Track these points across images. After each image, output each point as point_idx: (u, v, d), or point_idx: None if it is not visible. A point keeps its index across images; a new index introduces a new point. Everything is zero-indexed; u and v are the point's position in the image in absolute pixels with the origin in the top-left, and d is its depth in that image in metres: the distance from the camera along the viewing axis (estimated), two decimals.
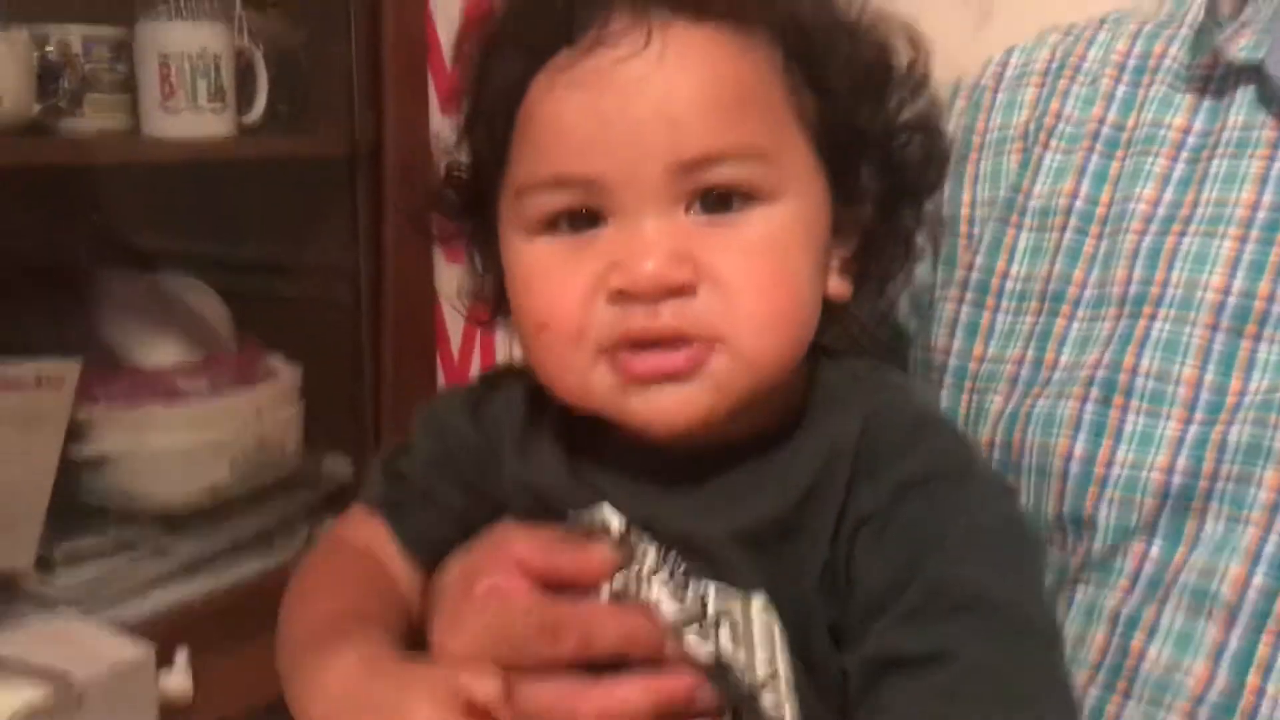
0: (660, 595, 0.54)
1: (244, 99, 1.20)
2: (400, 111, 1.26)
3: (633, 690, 0.53)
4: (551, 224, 0.54)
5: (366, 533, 0.66)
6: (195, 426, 1.14)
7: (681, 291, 0.52)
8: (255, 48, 1.21)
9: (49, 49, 1.07)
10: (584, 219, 0.54)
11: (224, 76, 1.15)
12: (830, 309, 0.58)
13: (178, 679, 0.98)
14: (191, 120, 1.13)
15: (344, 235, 1.31)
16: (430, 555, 0.64)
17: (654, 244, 0.52)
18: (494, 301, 0.62)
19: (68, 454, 1.04)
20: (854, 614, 0.52)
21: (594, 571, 0.56)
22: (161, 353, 1.21)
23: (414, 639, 0.62)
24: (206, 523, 1.15)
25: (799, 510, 0.54)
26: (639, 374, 0.53)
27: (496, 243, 0.59)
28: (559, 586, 0.57)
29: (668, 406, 0.53)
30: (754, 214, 0.53)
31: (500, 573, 0.57)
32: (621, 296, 0.52)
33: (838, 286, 0.58)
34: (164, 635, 1.00)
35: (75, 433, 1.06)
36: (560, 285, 0.54)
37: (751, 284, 0.52)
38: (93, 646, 0.85)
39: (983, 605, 0.51)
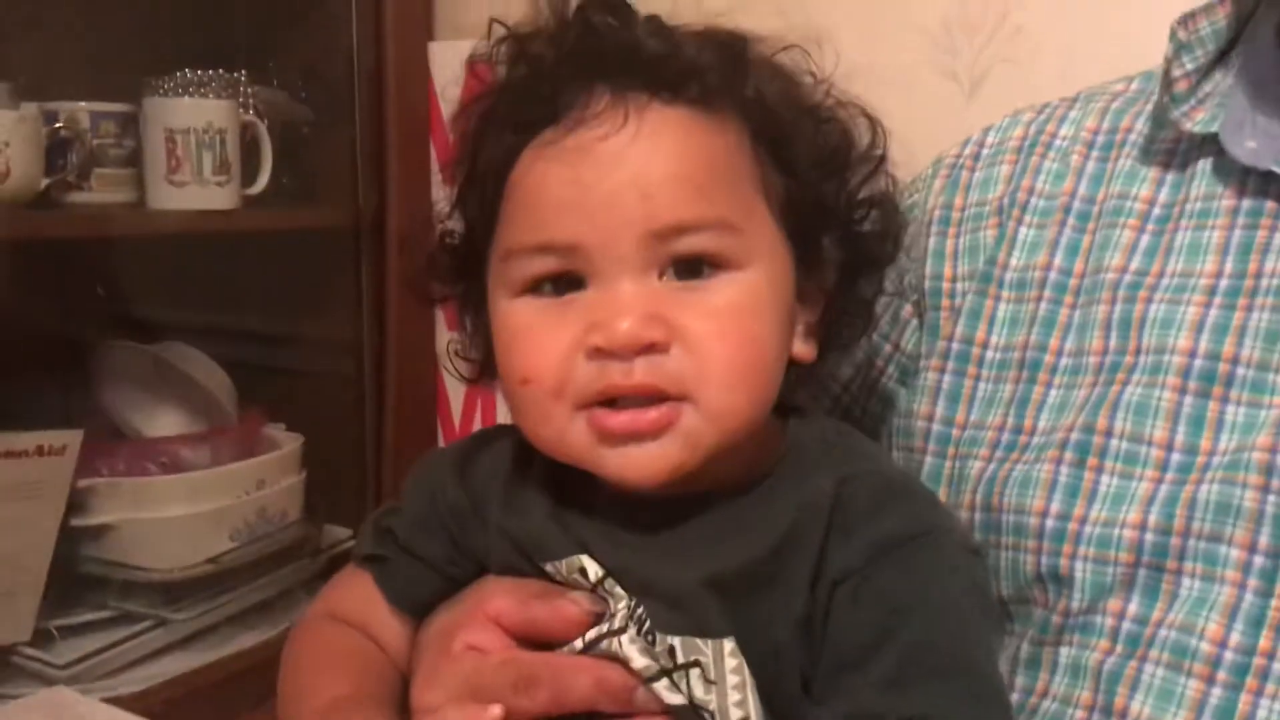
0: (630, 651, 0.55)
1: (249, 172, 1.21)
2: (403, 183, 1.28)
3: None
4: (535, 286, 0.58)
5: (357, 591, 0.68)
6: (196, 496, 1.14)
7: (654, 349, 0.55)
8: (260, 121, 1.23)
9: (58, 124, 1.09)
10: (566, 282, 0.57)
11: (229, 150, 1.16)
12: (799, 371, 0.62)
13: None
14: (196, 193, 1.14)
15: (347, 306, 1.32)
16: (417, 611, 0.66)
17: (629, 306, 0.55)
18: (482, 361, 0.64)
19: (68, 524, 1.04)
20: (826, 666, 0.54)
21: (568, 625, 0.57)
22: (163, 423, 1.22)
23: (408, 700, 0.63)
24: (207, 593, 1.14)
25: (770, 562, 0.55)
26: (612, 430, 0.55)
27: (486, 304, 0.62)
28: (535, 640, 0.58)
29: (640, 462, 0.56)
30: (722, 280, 0.57)
31: (476, 629, 0.59)
32: (599, 354, 0.55)
33: (803, 349, 0.62)
34: (162, 708, 0.99)
35: (76, 503, 1.06)
36: (542, 343, 0.57)
37: (719, 344, 0.55)
38: None
39: (958, 673, 0.53)
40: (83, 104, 1.12)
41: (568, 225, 0.56)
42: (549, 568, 0.59)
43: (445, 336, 1.31)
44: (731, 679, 0.54)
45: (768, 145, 0.60)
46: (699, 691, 0.54)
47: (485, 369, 0.64)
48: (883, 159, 0.63)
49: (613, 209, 0.55)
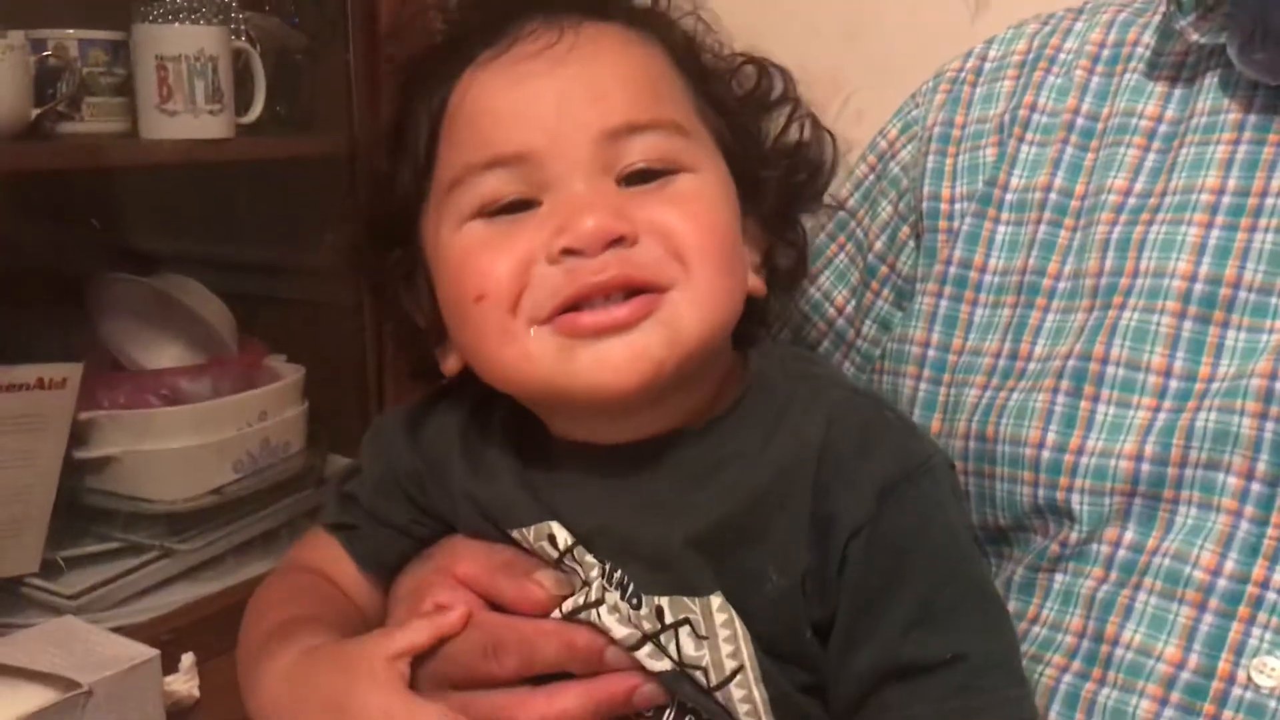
0: (609, 622, 0.55)
1: (242, 100, 1.19)
2: None
3: (571, 697, 0.55)
4: (484, 211, 0.56)
5: (324, 554, 0.68)
6: (199, 428, 1.14)
7: (623, 242, 0.53)
8: (252, 48, 1.21)
9: (47, 53, 1.07)
10: (517, 205, 0.55)
11: (221, 77, 1.14)
12: (751, 307, 0.60)
13: (184, 681, 0.98)
14: (189, 122, 1.13)
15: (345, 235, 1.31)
16: (385, 573, 0.66)
17: (592, 203, 0.53)
18: (430, 322, 0.62)
19: (71, 457, 1.04)
20: (845, 615, 0.54)
21: (533, 607, 0.57)
22: (163, 355, 1.21)
23: None
24: (211, 524, 1.15)
25: (755, 513, 0.55)
26: (586, 328, 0.53)
27: (421, 267, 0.60)
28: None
29: (618, 360, 0.53)
30: (679, 179, 0.56)
31: (445, 590, 0.59)
32: (565, 255, 0.53)
33: (755, 282, 0.61)
34: (170, 638, 1.00)
35: (79, 436, 1.06)
36: (496, 255, 0.55)
37: (689, 229, 0.54)
38: (98, 651, 0.85)
39: (971, 600, 0.54)
40: (71, 31, 1.10)
41: (517, 134, 0.55)
42: (515, 534, 0.59)
43: None
44: (723, 632, 0.54)
45: (694, 77, 0.60)
46: (689, 649, 0.54)
47: (435, 333, 0.62)
48: (797, 103, 0.63)
49: (563, 112, 0.54)
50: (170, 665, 0.96)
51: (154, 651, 0.86)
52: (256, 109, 1.21)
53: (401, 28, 0.64)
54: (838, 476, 0.54)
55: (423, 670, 0.57)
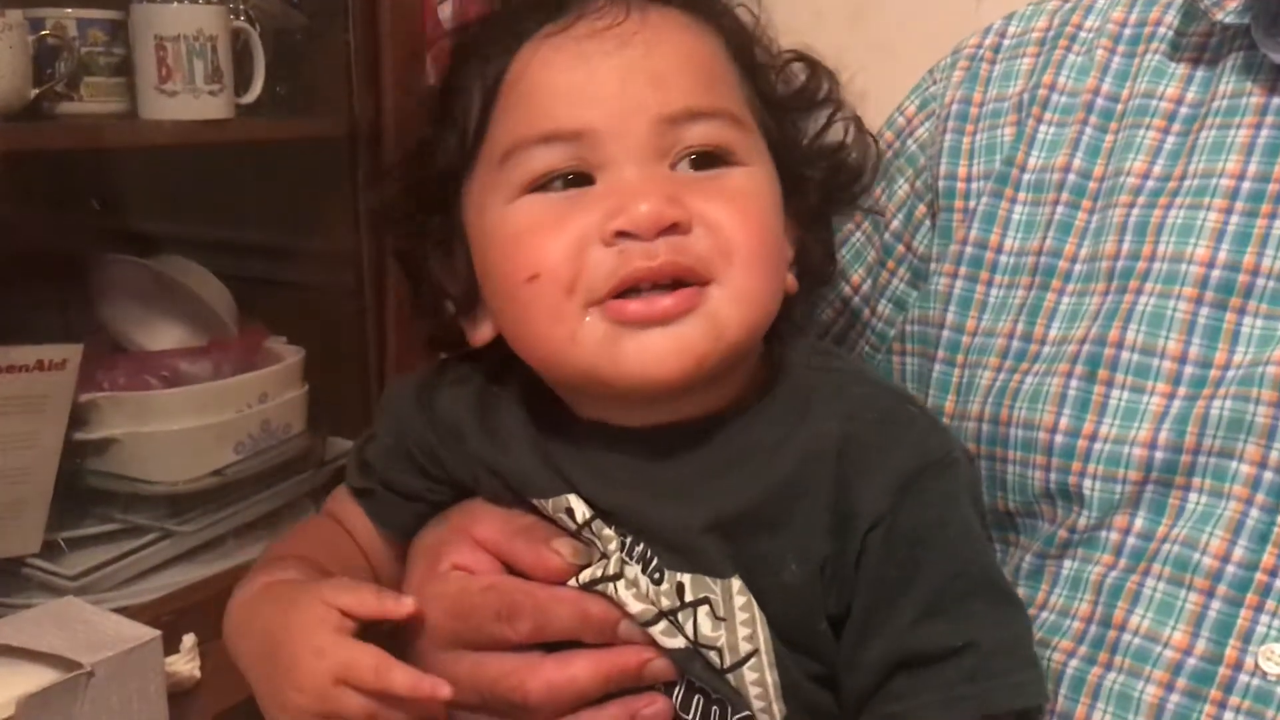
0: (626, 596, 0.55)
1: (241, 80, 1.19)
2: (399, 90, 1.25)
3: (582, 666, 0.55)
4: (538, 185, 0.56)
5: (349, 512, 0.69)
6: (199, 410, 1.14)
7: (677, 230, 0.53)
8: (252, 28, 1.20)
9: (45, 32, 1.06)
10: (571, 180, 0.55)
11: (221, 57, 1.14)
12: (784, 303, 0.60)
13: (185, 662, 0.99)
14: (189, 102, 1.12)
15: (345, 216, 1.30)
16: (406, 535, 0.67)
17: (648, 188, 0.54)
18: (463, 294, 0.61)
19: (72, 439, 1.04)
20: (860, 606, 0.55)
21: (550, 574, 0.57)
22: (163, 337, 1.21)
23: None
24: (212, 506, 1.15)
25: (775, 503, 0.55)
26: (634, 316, 0.53)
27: (459, 235, 0.60)
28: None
29: (662, 351, 0.53)
30: (733, 172, 0.56)
31: (464, 550, 0.60)
32: (619, 238, 0.53)
33: (789, 280, 0.61)
34: (171, 619, 1.00)
35: (79, 418, 1.06)
36: (550, 235, 0.54)
37: (741, 227, 0.55)
38: (100, 631, 0.85)
39: (982, 589, 0.55)
40: (69, 10, 1.09)
41: (577, 111, 0.55)
42: (535, 503, 0.59)
43: None
44: (741, 615, 0.54)
45: (746, 69, 0.60)
46: (706, 629, 0.54)
47: (467, 302, 0.62)
48: (841, 104, 0.64)
49: (624, 93, 0.54)
50: (171, 646, 0.96)
51: (155, 632, 0.86)
52: (256, 89, 1.20)
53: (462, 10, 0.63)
54: (859, 469, 0.55)
55: (437, 632, 0.58)
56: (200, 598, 1.07)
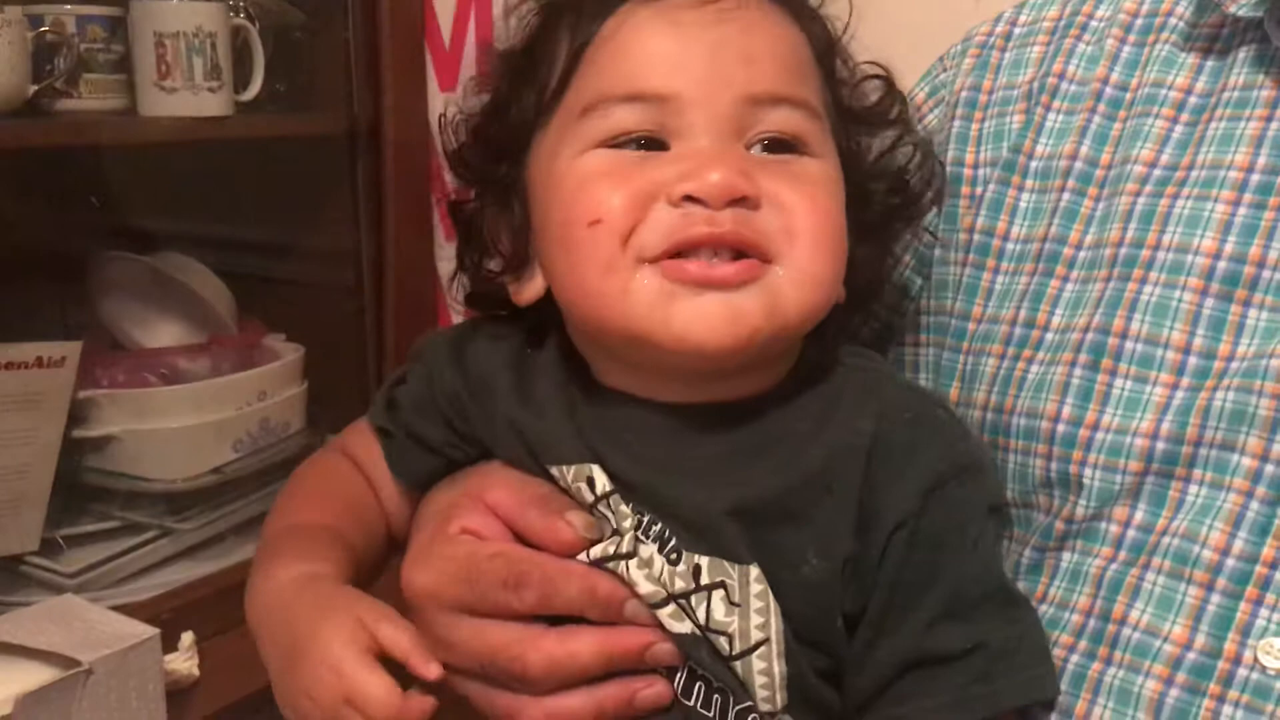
0: (637, 576, 0.54)
1: (240, 77, 1.19)
2: (399, 88, 1.25)
3: (584, 643, 0.54)
4: (613, 142, 0.56)
5: (365, 449, 0.68)
6: (198, 407, 1.14)
7: (745, 203, 0.53)
8: (251, 25, 1.20)
9: (44, 29, 1.07)
10: (644, 145, 0.55)
11: (220, 54, 1.14)
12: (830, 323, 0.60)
13: (184, 660, 0.99)
14: (188, 99, 1.12)
15: (344, 215, 1.30)
16: (418, 485, 0.66)
17: (721, 158, 0.54)
18: (510, 254, 0.61)
19: (71, 436, 1.04)
20: (876, 606, 0.55)
21: (560, 546, 0.56)
22: (162, 334, 1.21)
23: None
24: (211, 503, 1.15)
25: (800, 495, 0.55)
26: (691, 276, 0.53)
27: (520, 190, 0.60)
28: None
29: (715, 316, 0.53)
30: (805, 160, 0.57)
31: (475, 514, 0.59)
32: (687, 202, 0.53)
33: (839, 290, 0.60)
34: (169, 617, 1.00)
35: (78, 415, 1.06)
36: (617, 184, 0.54)
37: (809, 211, 0.55)
38: (98, 629, 0.85)
39: (993, 593, 0.55)
40: (68, 7, 1.09)
41: (666, 74, 0.55)
42: (554, 471, 0.58)
43: (443, 244, 1.31)
44: (756, 603, 0.54)
45: (828, 74, 0.60)
46: (719, 613, 0.54)
47: (518, 258, 0.61)
48: (909, 127, 0.64)
49: (715, 65, 0.55)
50: (170, 644, 0.96)
51: (154, 630, 0.86)
52: (255, 86, 1.20)
53: None
54: (887, 469, 0.55)
55: (441, 594, 0.57)
56: (199, 596, 1.08)
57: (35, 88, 1.05)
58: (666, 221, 0.53)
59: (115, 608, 0.95)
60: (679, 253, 0.53)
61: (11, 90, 1.01)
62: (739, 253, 0.53)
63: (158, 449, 1.11)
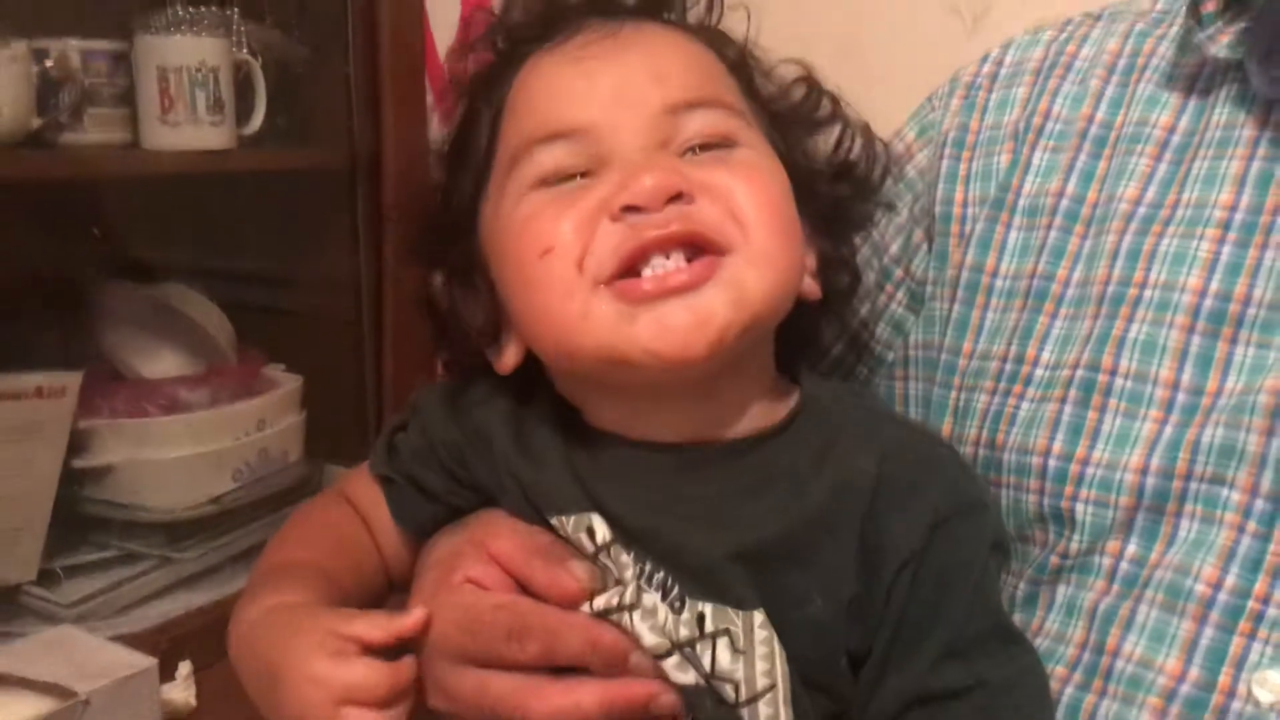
0: (641, 628, 0.54)
1: (243, 111, 1.20)
2: (399, 121, 1.26)
3: (588, 694, 0.54)
4: (543, 184, 0.57)
5: (368, 496, 0.68)
6: (197, 437, 1.14)
7: (681, 199, 0.54)
8: (253, 59, 1.21)
9: (48, 63, 1.08)
10: (578, 177, 0.57)
11: (223, 88, 1.15)
12: (801, 323, 0.61)
13: (181, 690, 0.98)
14: (191, 133, 1.13)
15: (344, 246, 1.31)
16: (420, 532, 0.66)
17: (650, 163, 0.55)
18: (484, 322, 0.62)
19: (70, 466, 1.04)
20: (881, 644, 0.55)
21: (564, 597, 0.56)
22: (162, 364, 1.21)
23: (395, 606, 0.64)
24: (209, 533, 1.15)
25: (804, 536, 0.55)
26: (648, 294, 0.53)
27: (479, 265, 0.61)
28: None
29: (680, 326, 0.53)
30: (736, 150, 0.57)
31: (479, 564, 0.59)
32: (627, 212, 0.54)
33: (810, 285, 0.61)
34: (167, 646, 1.00)
35: (77, 444, 1.06)
36: (559, 214, 0.55)
37: (748, 192, 0.55)
38: (96, 659, 0.85)
39: (995, 631, 0.56)
40: (73, 41, 1.10)
41: (578, 109, 0.56)
42: (554, 522, 0.58)
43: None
44: (760, 649, 0.54)
45: (746, 84, 0.61)
46: (724, 661, 0.53)
47: (491, 328, 0.62)
48: (847, 121, 0.65)
49: (626, 89, 0.56)
50: (167, 674, 0.96)
51: (151, 660, 0.86)
52: (257, 120, 1.21)
53: (461, 47, 0.65)
54: (890, 507, 0.55)
55: (445, 644, 0.57)
56: (197, 625, 1.07)
57: (40, 121, 1.05)
58: (613, 237, 0.54)
59: (113, 638, 0.95)
60: (633, 267, 0.53)
61: (16, 123, 1.02)
62: (693, 250, 0.54)
63: (157, 479, 1.11)
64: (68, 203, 1.25)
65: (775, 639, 0.54)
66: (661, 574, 0.55)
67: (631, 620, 0.54)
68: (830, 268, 0.63)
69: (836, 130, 0.65)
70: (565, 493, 0.58)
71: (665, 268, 0.53)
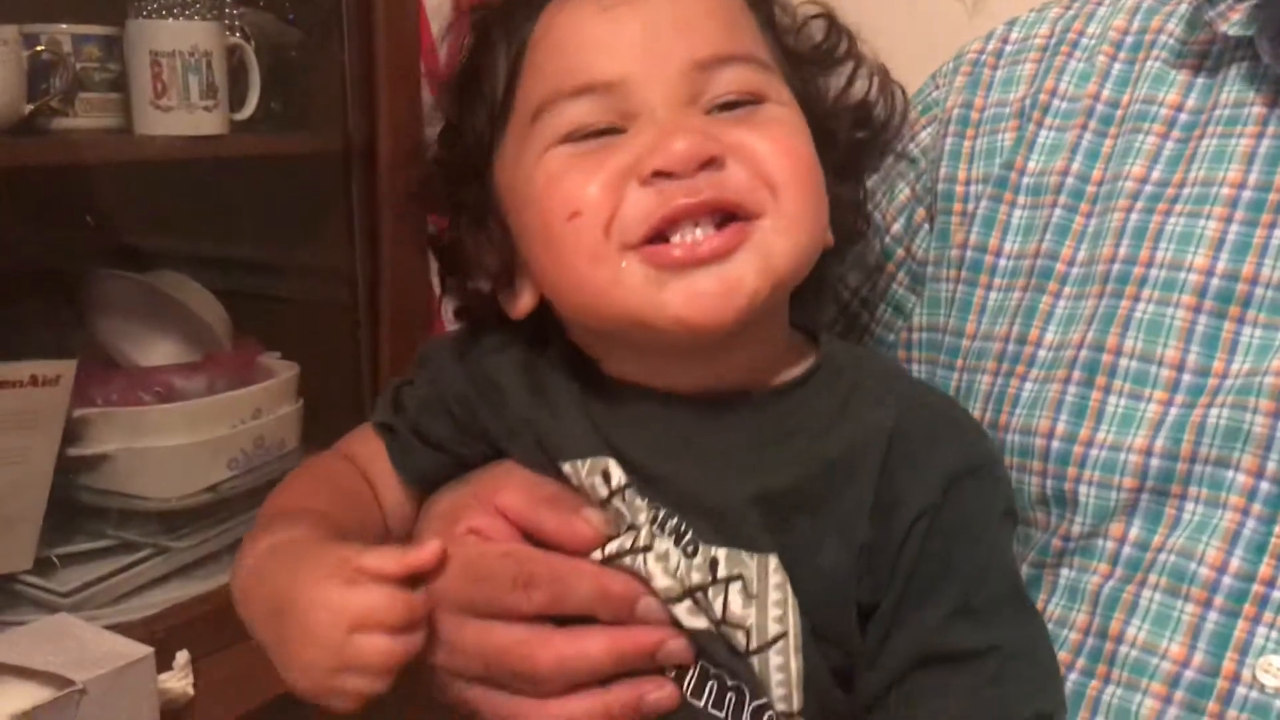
0: (654, 569, 0.54)
1: (236, 96, 1.19)
2: (394, 106, 1.25)
3: (595, 641, 0.54)
4: (568, 139, 0.55)
5: (367, 449, 0.67)
6: (193, 425, 1.13)
7: (713, 164, 0.53)
8: (247, 44, 1.21)
9: (40, 48, 1.07)
10: (605, 132, 0.55)
11: (216, 73, 1.14)
12: (817, 278, 0.60)
13: (178, 679, 0.98)
14: (184, 118, 1.13)
15: (340, 232, 1.31)
16: (423, 485, 0.65)
17: (682, 126, 0.53)
18: (499, 267, 0.61)
19: (65, 455, 1.04)
20: (891, 597, 0.54)
21: (577, 542, 0.55)
22: (157, 352, 1.21)
23: None
24: (206, 522, 1.15)
25: (821, 482, 0.55)
26: (677, 260, 0.52)
27: (493, 206, 0.60)
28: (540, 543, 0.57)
29: (708, 293, 0.52)
30: (765, 107, 0.56)
31: (483, 515, 0.58)
32: (656, 177, 0.52)
33: (827, 235, 0.60)
34: (164, 636, 1.00)
35: (73, 433, 1.06)
36: (586, 175, 0.54)
37: (778, 154, 0.54)
38: (93, 648, 0.85)
39: (1007, 595, 0.55)
40: (64, 26, 1.09)
41: (607, 62, 0.55)
42: (567, 468, 0.58)
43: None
44: (774, 595, 0.53)
45: (768, 24, 0.60)
46: (736, 606, 0.53)
47: (503, 274, 0.61)
48: (862, 58, 0.63)
49: (653, 42, 0.55)
50: (164, 663, 0.96)
51: (148, 649, 0.86)
52: (251, 105, 1.21)
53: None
54: (906, 460, 0.54)
55: (446, 595, 0.55)
56: (194, 614, 1.07)
57: (31, 106, 1.05)
58: (643, 202, 0.53)
59: (110, 627, 0.94)
60: (662, 233, 0.53)
61: (7, 109, 1.01)
62: (724, 215, 0.53)
63: (153, 467, 1.10)
64: (60, 189, 1.24)
65: (788, 585, 0.53)
66: (675, 519, 0.55)
67: (645, 563, 0.54)
68: (843, 210, 0.62)
69: (850, 67, 0.63)
70: (581, 438, 0.57)
71: (694, 236, 0.52)
